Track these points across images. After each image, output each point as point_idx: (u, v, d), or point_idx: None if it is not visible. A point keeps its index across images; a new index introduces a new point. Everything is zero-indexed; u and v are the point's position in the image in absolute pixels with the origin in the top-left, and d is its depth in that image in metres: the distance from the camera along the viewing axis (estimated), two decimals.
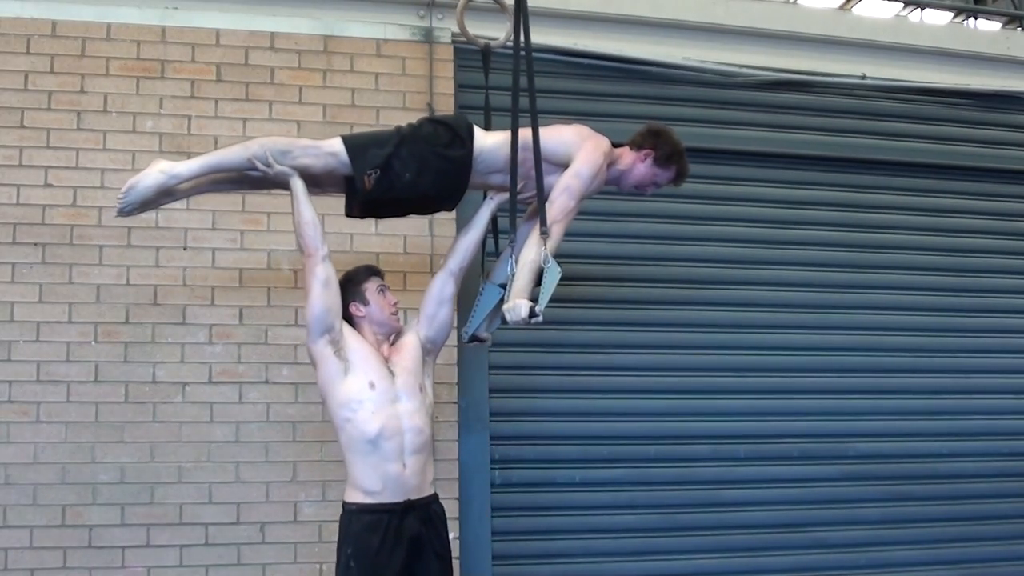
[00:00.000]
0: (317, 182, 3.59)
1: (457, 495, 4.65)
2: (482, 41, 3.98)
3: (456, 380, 4.71)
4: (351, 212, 3.72)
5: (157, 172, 3.43)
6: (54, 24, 4.57)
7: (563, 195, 3.47)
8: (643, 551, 4.96)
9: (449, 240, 4.77)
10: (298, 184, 3.49)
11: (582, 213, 5.05)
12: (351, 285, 3.70)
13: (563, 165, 3.55)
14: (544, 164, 3.50)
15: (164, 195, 3.49)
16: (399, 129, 3.57)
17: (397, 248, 4.75)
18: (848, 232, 5.52)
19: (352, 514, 3.50)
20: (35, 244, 4.43)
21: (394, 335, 3.75)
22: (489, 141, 3.59)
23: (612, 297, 5.15)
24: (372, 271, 3.79)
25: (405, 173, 3.48)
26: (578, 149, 3.56)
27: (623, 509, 4.98)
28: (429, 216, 4.76)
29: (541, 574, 4.86)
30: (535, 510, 4.91)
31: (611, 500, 4.97)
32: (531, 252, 3.40)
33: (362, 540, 3.45)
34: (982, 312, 5.66)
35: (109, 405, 4.39)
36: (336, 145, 3.50)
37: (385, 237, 4.75)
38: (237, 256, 4.60)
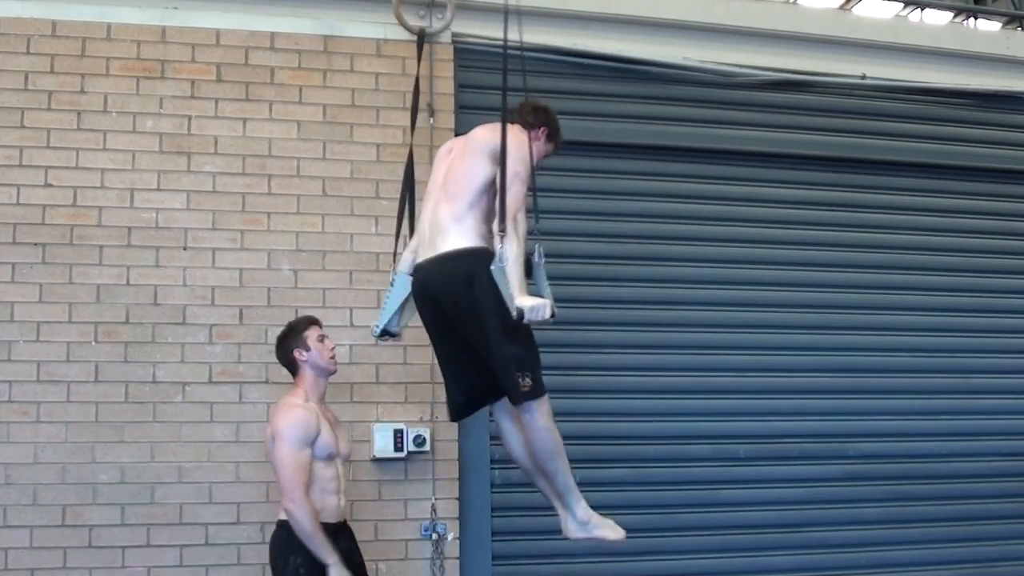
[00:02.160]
0: None
1: (457, 495, 4.65)
2: (417, 27, 3.96)
3: None
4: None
5: None
6: (54, 24, 4.57)
7: (515, 183, 3.47)
8: (643, 551, 4.95)
9: None
10: None
11: (582, 213, 5.10)
12: (294, 333, 4.00)
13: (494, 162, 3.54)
14: (485, 164, 3.52)
15: None
16: (520, 332, 3.45)
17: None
18: (847, 232, 5.53)
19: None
20: (35, 244, 4.43)
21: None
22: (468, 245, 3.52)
23: (612, 297, 5.15)
24: (312, 321, 4.08)
25: (519, 333, 3.45)
26: (514, 140, 3.54)
27: (623, 509, 4.95)
28: None
29: (541, 574, 4.86)
30: (535, 509, 4.87)
31: (611, 500, 4.95)
32: (508, 249, 3.36)
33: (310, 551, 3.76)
34: (982, 312, 5.66)
35: (109, 405, 4.39)
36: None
37: (385, 237, 4.74)
38: (237, 256, 4.60)
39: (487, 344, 3.44)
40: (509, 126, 3.59)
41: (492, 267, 3.36)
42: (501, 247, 3.36)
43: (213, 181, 4.63)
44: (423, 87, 4.85)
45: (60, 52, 4.57)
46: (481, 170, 3.53)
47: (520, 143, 3.55)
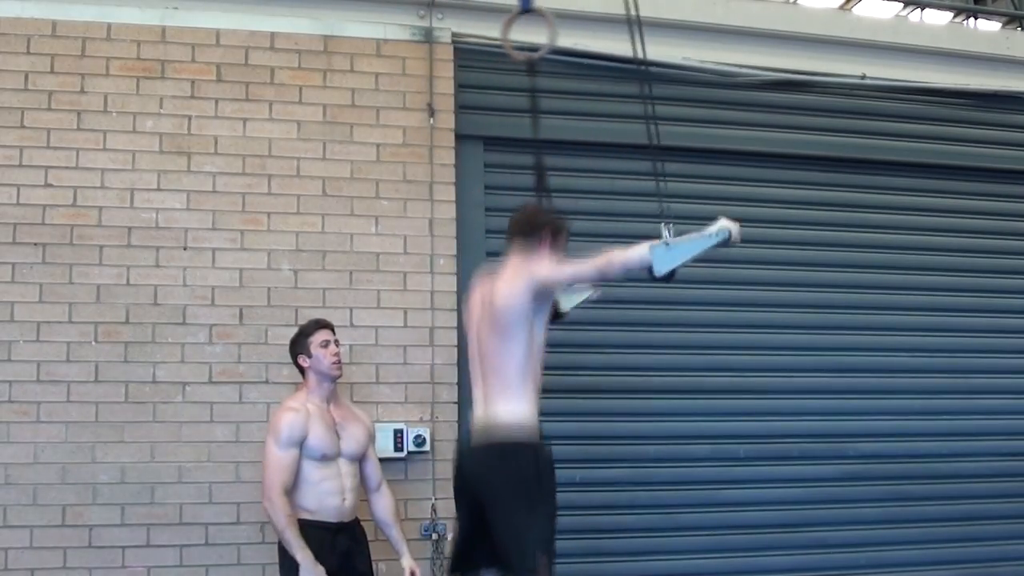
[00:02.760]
0: None
1: None
2: (522, 55, 3.99)
3: (456, 380, 4.70)
4: None
5: None
6: (54, 24, 4.57)
7: (565, 274, 3.57)
8: (643, 551, 4.96)
9: (449, 240, 4.79)
10: None
11: (582, 213, 5.09)
12: (300, 338, 4.15)
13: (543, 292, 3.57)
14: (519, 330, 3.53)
15: None
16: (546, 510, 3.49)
17: (397, 248, 4.75)
18: (847, 232, 5.52)
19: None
20: (35, 244, 4.43)
21: (335, 388, 4.17)
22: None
23: (611, 297, 5.12)
24: (320, 324, 4.17)
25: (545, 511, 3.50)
26: (532, 269, 3.57)
27: (623, 509, 4.98)
28: (429, 216, 4.77)
29: None
30: None
31: (611, 500, 4.97)
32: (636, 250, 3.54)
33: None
34: (982, 312, 5.66)
35: (109, 405, 4.38)
36: None
37: (385, 237, 4.75)
38: (237, 256, 4.60)
39: (511, 527, 3.45)
40: (515, 263, 3.61)
41: (656, 263, 3.45)
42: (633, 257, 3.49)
43: (213, 181, 4.63)
44: (422, 87, 4.86)
45: (60, 52, 4.57)
46: (517, 344, 3.53)
47: (542, 278, 3.52)
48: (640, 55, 3.74)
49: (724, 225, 3.57)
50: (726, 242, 3.54)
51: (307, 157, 4.74)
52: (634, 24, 3.67)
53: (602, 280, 3.58)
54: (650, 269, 3.48)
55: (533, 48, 4.14)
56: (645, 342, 5.16)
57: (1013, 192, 5.84)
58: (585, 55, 5.19)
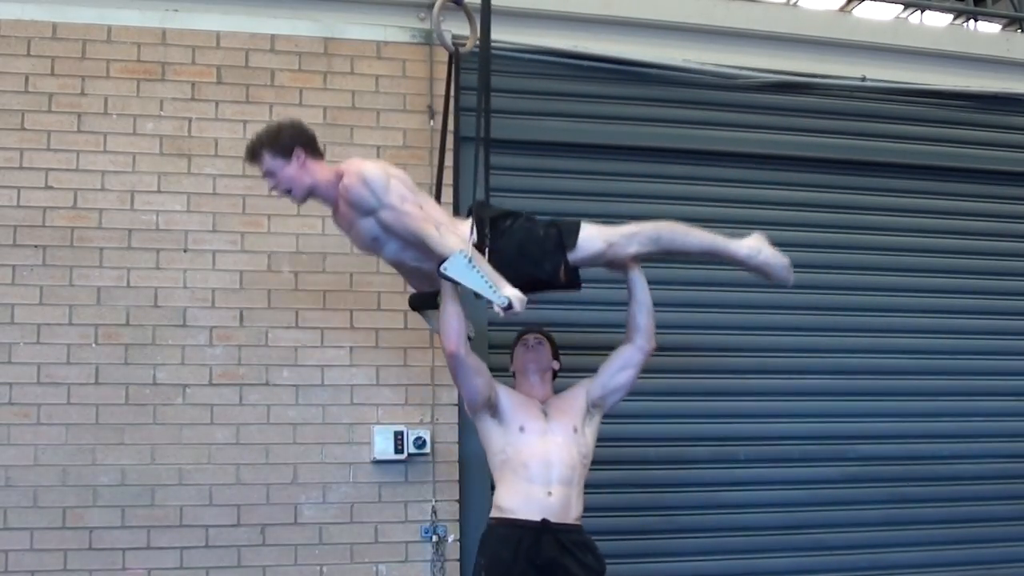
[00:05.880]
0: None
1: (457, 496, 4.65)
2: (452, 45, 3.99)
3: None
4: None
5: None
6: (55, 26, 4.57)
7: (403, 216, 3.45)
8: (643, 553, 4.95)
9: None
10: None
11: (581, 215, 5.08)
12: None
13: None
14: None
15: None
16: None
17: None
18: (848, 234, 5.52)
19: (491, 528, 3.82)
20: (35, 246, 4.43)
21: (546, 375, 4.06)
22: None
23: (609, 299, 5.13)
24: (520, 335, 4.11)
25: None
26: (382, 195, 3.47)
27: (623, 511, 4.98)
28: None
29: None
30: None
31: (611, 502, 4.96)
32: (451, 241, 3.38)
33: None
34: (984, 314, 5.65)
35: (109, 407, 4.38)
36: None
37: None
38: (237, 258, 4.60)
39: None
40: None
41: (449, 262, 3.25)
42: (447, 246, 3.31)
43: (213, 183, 4.64)
44: (422, 89, 4.86)
45: (60, 54, 4.57)
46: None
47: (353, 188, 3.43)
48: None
49: (511, 295, 3.28)
50: (507, 307, 3.27)
51: None
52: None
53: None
54: (441, 262, 3.30)
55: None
56: None
57: (1014, 194, 5.83)
58: (584, 57, 5.19)
